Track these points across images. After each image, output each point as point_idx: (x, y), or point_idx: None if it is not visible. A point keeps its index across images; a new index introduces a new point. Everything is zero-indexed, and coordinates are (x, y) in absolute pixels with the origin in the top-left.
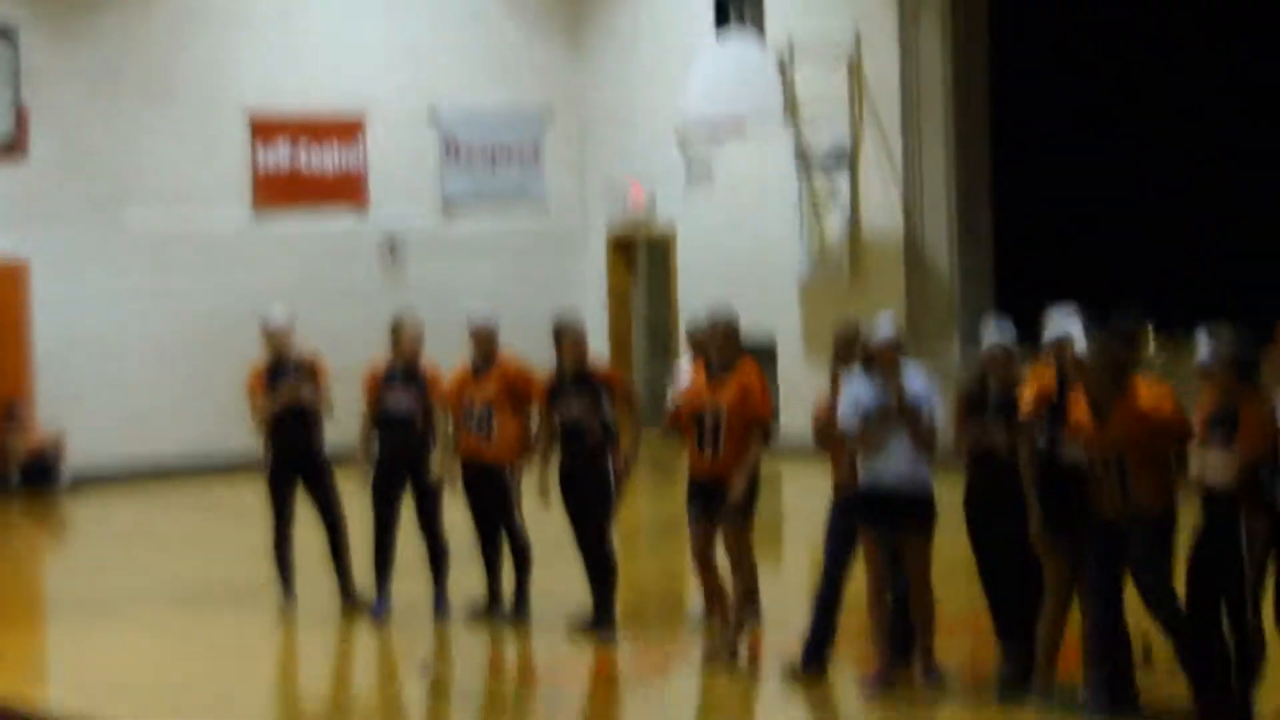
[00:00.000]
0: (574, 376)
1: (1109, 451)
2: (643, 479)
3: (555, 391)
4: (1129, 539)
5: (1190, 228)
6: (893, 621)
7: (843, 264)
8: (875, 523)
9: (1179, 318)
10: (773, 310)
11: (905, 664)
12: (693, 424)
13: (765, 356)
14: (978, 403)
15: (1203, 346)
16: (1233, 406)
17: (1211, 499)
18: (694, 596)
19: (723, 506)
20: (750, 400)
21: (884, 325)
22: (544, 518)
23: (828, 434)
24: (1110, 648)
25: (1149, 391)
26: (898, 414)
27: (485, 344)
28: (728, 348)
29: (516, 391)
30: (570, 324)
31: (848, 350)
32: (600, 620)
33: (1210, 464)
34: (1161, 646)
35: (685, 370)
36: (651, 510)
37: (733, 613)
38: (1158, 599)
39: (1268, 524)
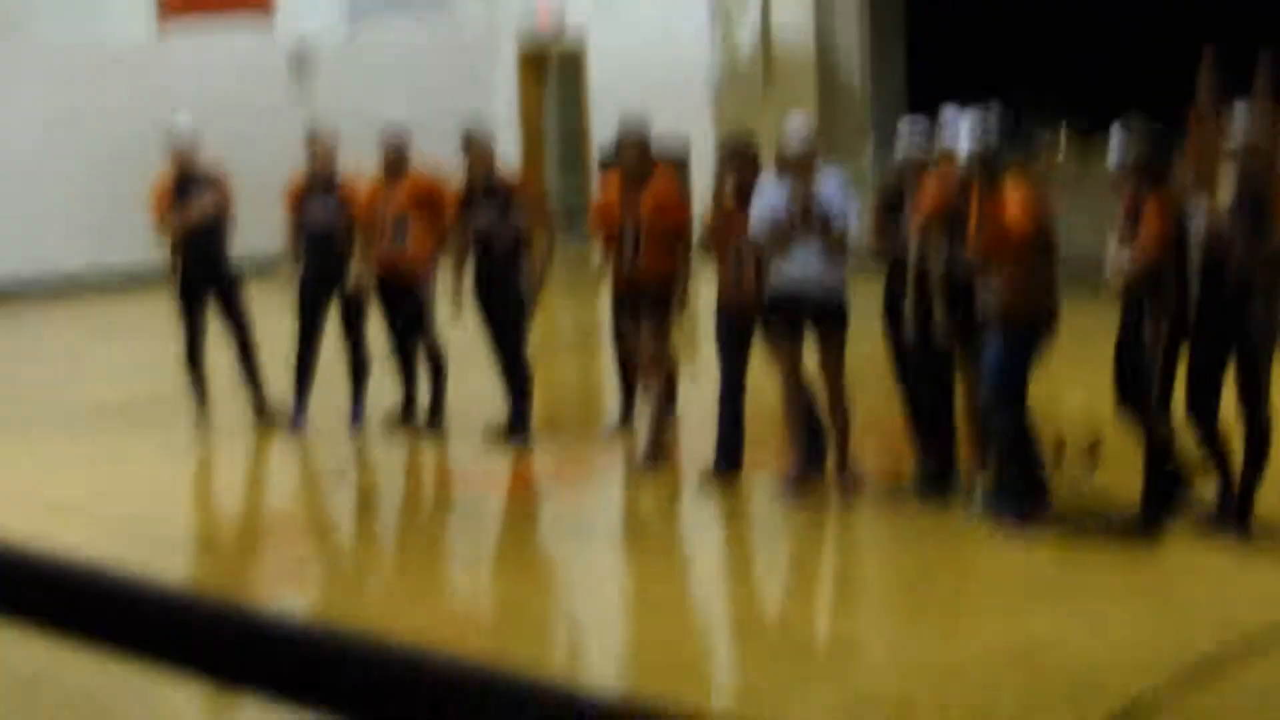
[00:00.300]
0: (483, 186)
1: (977, 257)
2: (557, 288)
3: (466, 201)
4: (994, 341)
5: (1107, 22)
6: (805, 424)
7: (755, 71)
8: (785, 326)
9: (1098, 114)
10: (686, 119)
11: (819, 467)
12: (613, 235)
13: (680, 165)
14: (894, 207)
15: (1114, 147)
16: (1140, 207)
17: (1124, 298)
18: (610, 404)
19: (646, 307)
20: (667, 209)
21: (795, 127)
22: (458, 327)
23: (712, 240)
24: (1015, 448)
25: (1013, 195)
26: (807, 218)
27: (396, 155)
28: (640, 159)
29: (428, 201)
30: (477, 133)
31: (736, 161)
32: (516, 427)
33: (1116, 264)
34: (1077, 443)
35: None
36: (566, 319)
37: (652, 412)
38: (997, 402)
39: (1169, 322)
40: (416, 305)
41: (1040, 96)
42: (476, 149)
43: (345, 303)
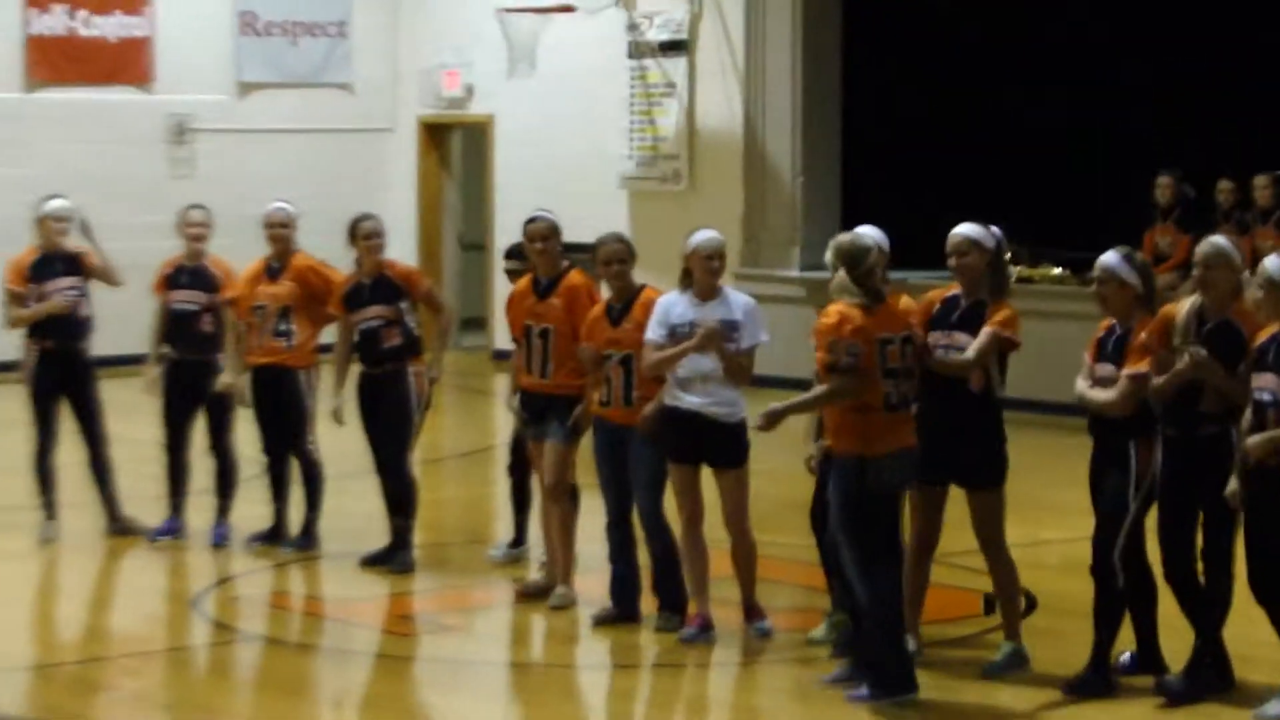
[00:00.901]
0: (372, 278)
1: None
2: (450, 391)
3: (351, 295)
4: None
5: (1040, 145)
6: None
7: (677, 165)
8: (678, 450)
9: (1026, 237)
10: (598, 214)
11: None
12: (521, 338)
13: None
14: None
15: (1121, 271)
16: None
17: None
18: (501, 530)
19: (552, 426)
20: (579, 315)
21: (705, 244)
22: (339, 436)
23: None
24: (874, 616)
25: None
26: (703, 338)
27: (281, 240)
28: (549, 256)
29: (314, 292)
30: (365, 219)
31: (611, 268)
32: (396, 552)
33: (1099, 391)
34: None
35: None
36: (460, 431)
37: (556, 549)
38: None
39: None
40: (295, 409)
41: (976, 212)
42: (364, 235)
43: (211, 403)
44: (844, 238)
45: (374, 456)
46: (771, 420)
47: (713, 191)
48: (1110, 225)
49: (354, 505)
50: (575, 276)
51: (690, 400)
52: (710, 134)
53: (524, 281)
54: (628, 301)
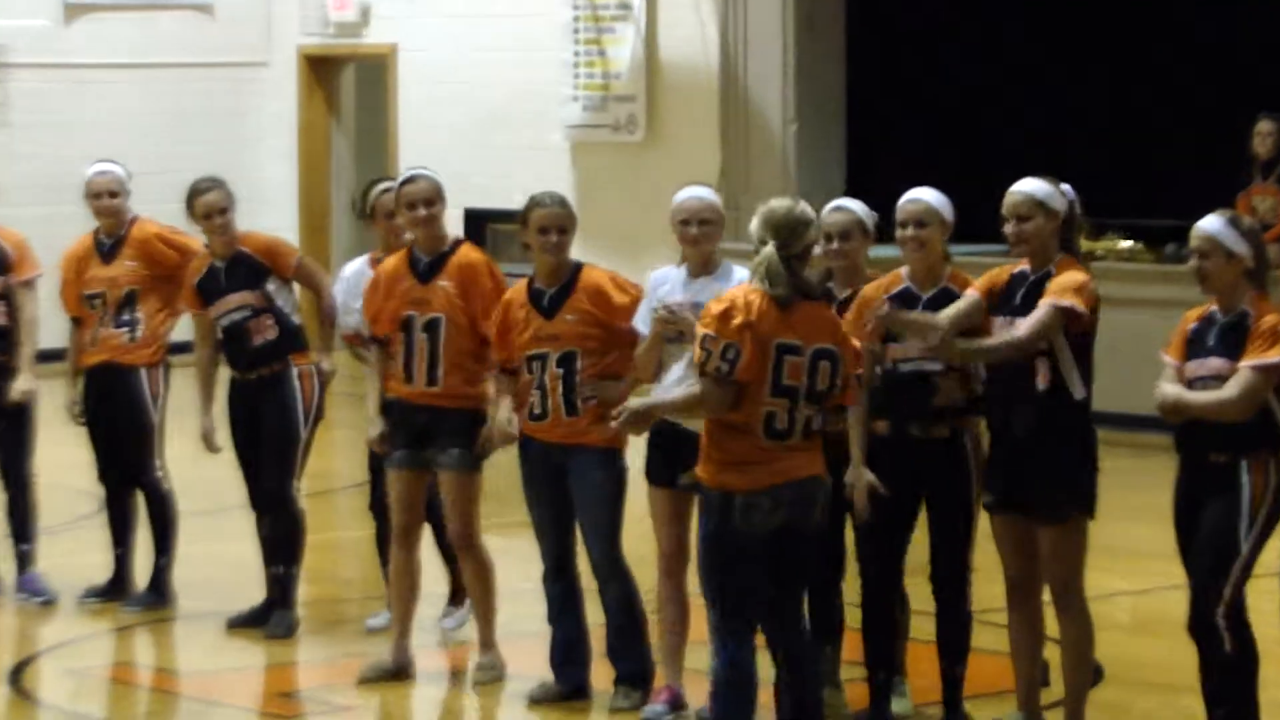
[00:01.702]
0: (226, 260)
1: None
2: (346, 404)
3: (204, 283)
4: None
5: (1098, 85)
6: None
7: (632, 109)
8: (659, 471)
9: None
10: (532, 173)
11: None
12: (397, 336)
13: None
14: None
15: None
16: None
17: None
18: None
19: (446, 451)
20: (477, 301)
21: (693, 201)
22: (200, 459)
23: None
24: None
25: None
26: (659, 321)
27: (109, 213)
28: (434, 228)
29: (164, 269)
30: (203, 191)
31: (551, 235)
32: (274, 610)
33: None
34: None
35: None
36: (359, 451)
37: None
38: None
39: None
40: (137, 422)
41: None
42: (206, 204)
43: (3, 417)
44: (777, 204)
45: (247, 485)
46: (637, 420)
47: (679, 143)
48: (1192, 185)
49: (219, 550)
50: (470, 252)
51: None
52: (676, 68)
53: (392, 261)
54: (565, 284)
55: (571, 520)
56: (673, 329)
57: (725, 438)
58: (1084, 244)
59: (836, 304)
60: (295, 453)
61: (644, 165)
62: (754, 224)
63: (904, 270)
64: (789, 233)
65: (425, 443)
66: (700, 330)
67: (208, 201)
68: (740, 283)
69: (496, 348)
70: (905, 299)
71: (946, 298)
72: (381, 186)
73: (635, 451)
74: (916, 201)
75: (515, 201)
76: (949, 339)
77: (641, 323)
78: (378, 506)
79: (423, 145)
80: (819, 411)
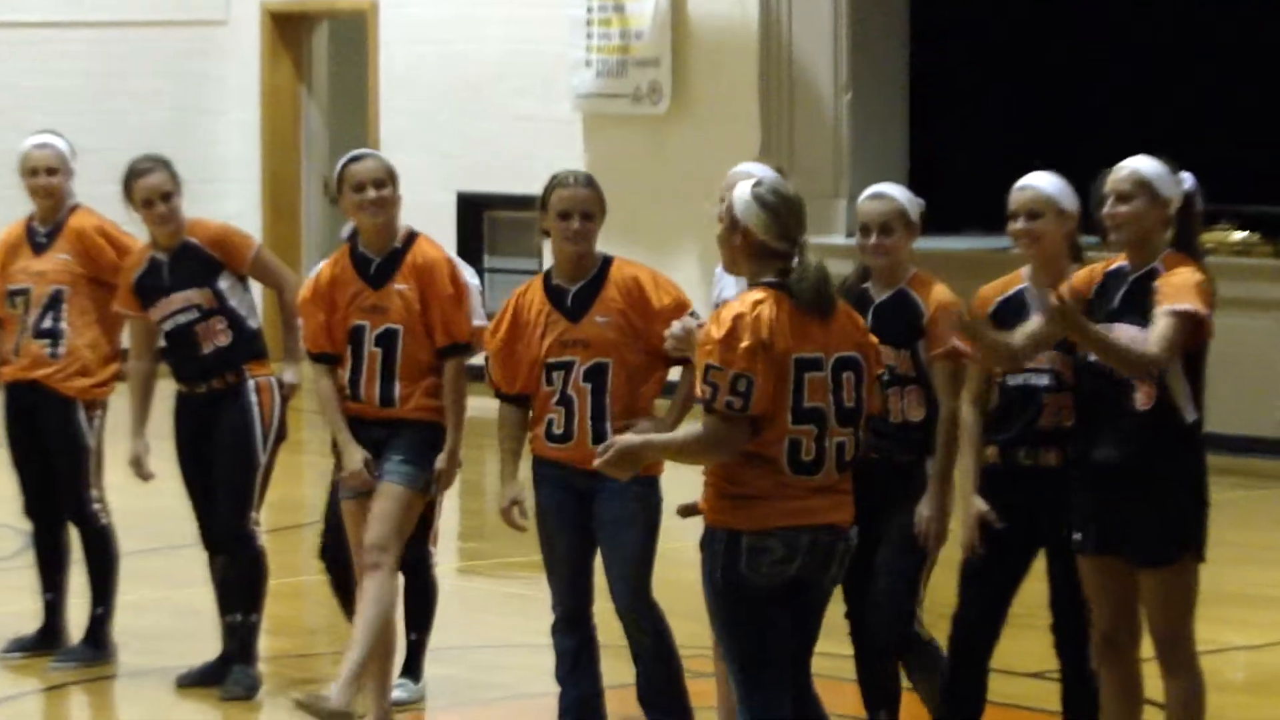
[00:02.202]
0: (170, 252)
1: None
2: (314, 421)
3: (144, 280)
4: None
5: (1210, 56)
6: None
7: (656, 76)
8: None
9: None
10: (538, 150)
11: None
12: (343, 347)
13: (512, 228)
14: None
15: None
16: None
17: None
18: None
19: (392, 461)
20: (436, 307)
21: (738, 171)
22: (143, 489)
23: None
24: None
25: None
26: (673, 340)
27: (48, 193)
28: (385, 217)
29: (100, 270)
30: (141, 173)
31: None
32: (232, 666)
33: None
34: None
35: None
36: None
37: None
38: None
39: None
40: (69, 450)
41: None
42: (146, 188)
43: None
44: (777, 184)
45: (198, 519)
46: (623, 460)
47: (711, 116)
48: None
49: (167, 596)
50: (427, 247)
51: None
52: (708, 27)
53: (334, 260)
54: (593, 280)
55: (592, 560)
56: (687, 349)
57: (739, 466)
58: None
59: (874, 307)
60: (253, 480)
61: (670, 142)
62: (772, 214)
63: (1024, 270)
64: (801, 219)
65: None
66: (701, 360)
67: (149, 185)
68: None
69: (498, 366)
70: (1018, 303)
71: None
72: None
73: (671, 480)
74: (1026, 189)
75: (515, 185)
76: (1072, 312)
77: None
78: (333, 551)
79: (408, 117)
80: (854, 435)
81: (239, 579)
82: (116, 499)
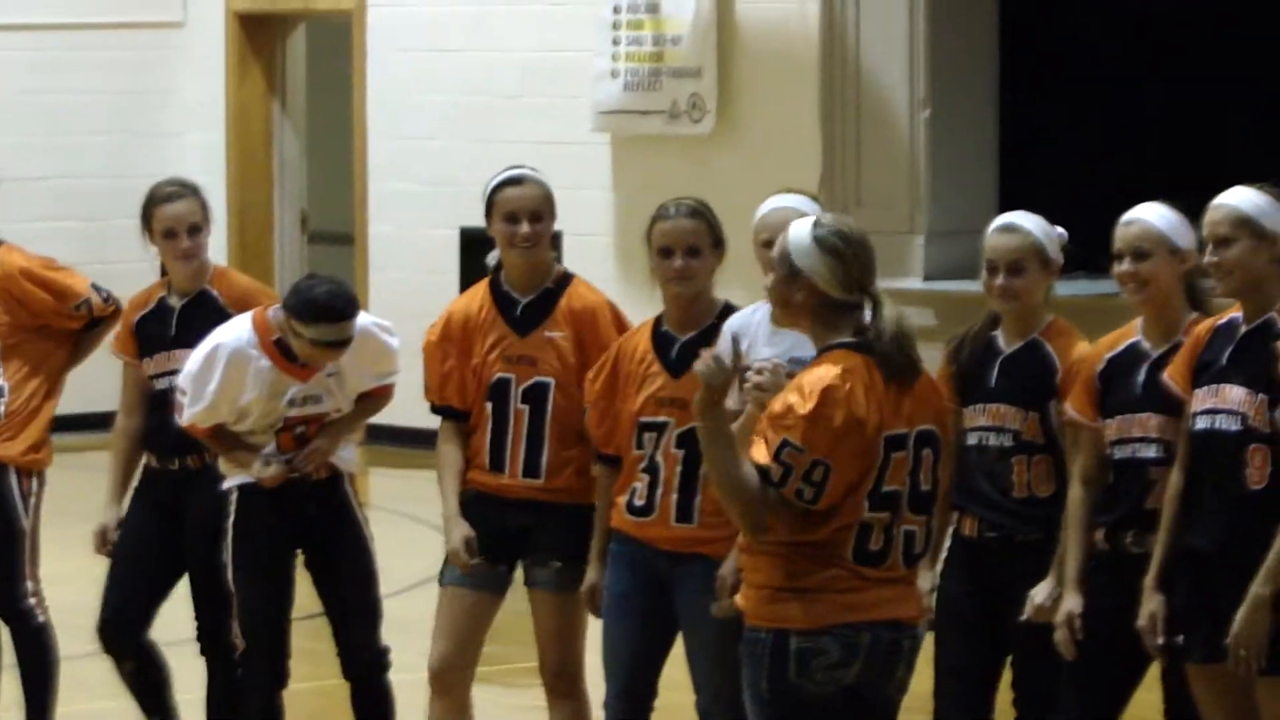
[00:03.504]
0: (185, 298)
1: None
2: None
3: (146, 326)
4: None
5: None
6: None
7: (698, 89)
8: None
9: None
10: (558, 176)
11: None
12: (477, 405)
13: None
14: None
15: None
16: None
17: None
18: None
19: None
20: (594, 360)
21: (767, 206)
22: (86, 581)
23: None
24: None
25: None
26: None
27: None
28: (541, 251)
29: (30, 317)
30: (169, 197)
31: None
32: None
33: None
34: None
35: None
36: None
37: None
38: None
39: None
40: (5, 532)
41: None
42: (166, 235)
43: None
44: (844, 222)
45: (144, 611)
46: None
47: (763, 137)
48: None
49: (119, 708)
50: (585, 291)
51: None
52: (759, 31)
53: (473, 297)
54: (706, 331)
55: (663, 654)
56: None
57: (788, 555)
58: None
59: (1000, 360)
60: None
61: (713, 167)
62: (838, 261)
63: (1137, 322)
64: (871, 265)
65: (513, 553)
66: (776, 432)
67: (172, 214)
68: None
69: (595, 423)
70: (1130, 359)
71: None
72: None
73: None
74: (1133, 224)
75: None
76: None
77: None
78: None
79: (400, 140)
80: (927, 524)
81: (231, 692)
82: (56, 592)
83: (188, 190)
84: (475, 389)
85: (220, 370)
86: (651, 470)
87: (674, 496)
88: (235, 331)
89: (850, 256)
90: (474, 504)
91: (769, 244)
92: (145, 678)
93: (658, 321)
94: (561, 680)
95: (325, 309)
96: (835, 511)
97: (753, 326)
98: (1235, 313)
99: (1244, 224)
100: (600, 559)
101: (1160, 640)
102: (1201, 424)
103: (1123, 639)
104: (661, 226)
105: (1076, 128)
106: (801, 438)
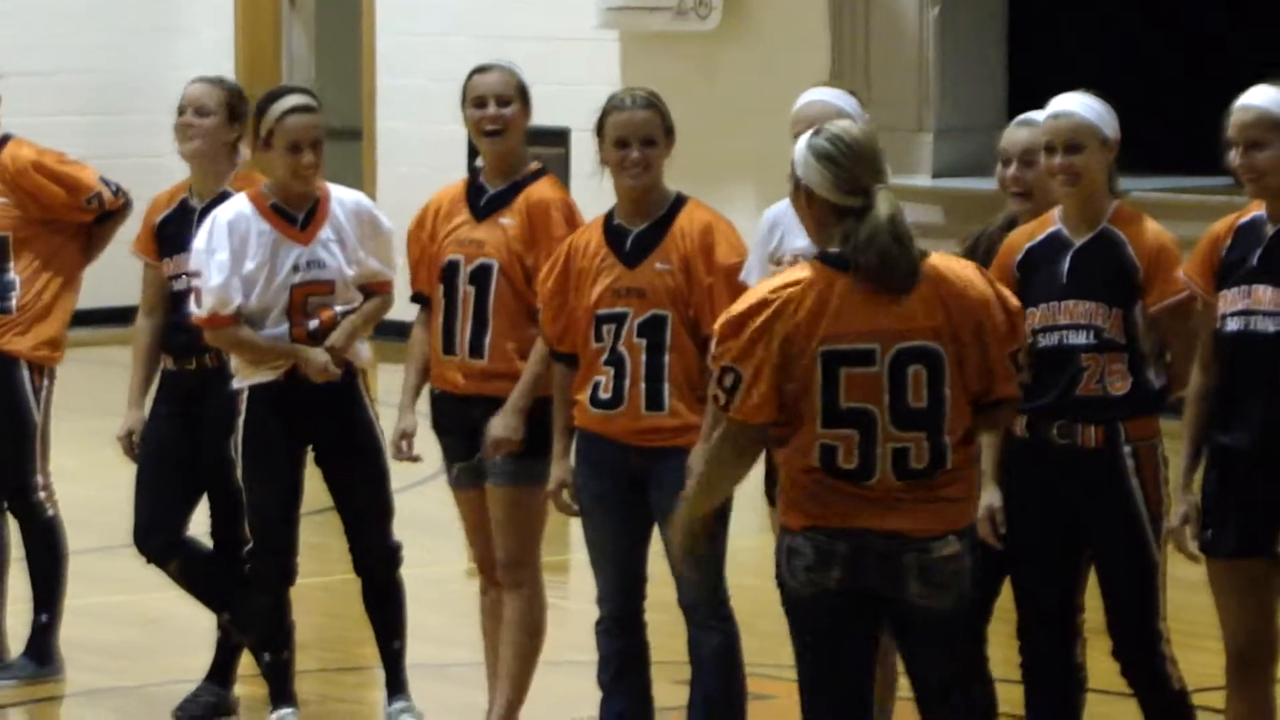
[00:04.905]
0: (208, 200)
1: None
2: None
3: (168, 226)
4: None
5: None
6: None
7: None
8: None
9: None
10: (564, 75)
11: None
12: (438, 292)
13: (555, 162)
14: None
15: None
16: None
17: None
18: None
19: (490, 445)
20: (544, 247)
21: (807, 98)
22: (103, 476)
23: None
24: None
25: None
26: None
27: None
28: (511, 138)
29: (42, 210)
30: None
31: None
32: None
33: None
34: None
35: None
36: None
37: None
38: None
39: None
40: (11, 423)
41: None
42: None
43: None
44: (849, 124)
45: (177, 516)
46: (694, 541)
47: (770, 34)
48: None
49: (124, 601)
50: (547, 186)
51: None
52: None
53: (451, 190)
54: (660, 221)
55: (646, 546)
56: None
57: (787, 458)
58: None
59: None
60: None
61: (721, 65)
62: (834, 168)
63: (1056, 211)
64: (882, 164)
65: (469, 446)
66: (719, 345)
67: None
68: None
69: (549, 321)
70: (1052, 247)
71: (1105, 245)
72: (288, 105)
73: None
74: (1064, 116)
75: (539, 115)
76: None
77: (754, 278)
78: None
79: (409, 36)
80: (927, 440)
81: (239, 590)
82: (66, 487)
83: (223, 83)
84: (435, 271)
85: (225, 236)
86: (615, 362)
87: (642, 385)
88: (229, 205)
89: (848, 161)
90: (440, 404)
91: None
92: (194, 574)
93: (609, 216)
94: (513, 571)
95: (283, 88)
96: (789, 426)
97: (787, 218)
98: (1256, 211)
99: (1276, 126)
100: (564, 456)
101: (1192, 540)
102: (1234, 325)
103: (1049, 528)
104: (617, 118)
105: (1085, 26)
106: (718, 343)
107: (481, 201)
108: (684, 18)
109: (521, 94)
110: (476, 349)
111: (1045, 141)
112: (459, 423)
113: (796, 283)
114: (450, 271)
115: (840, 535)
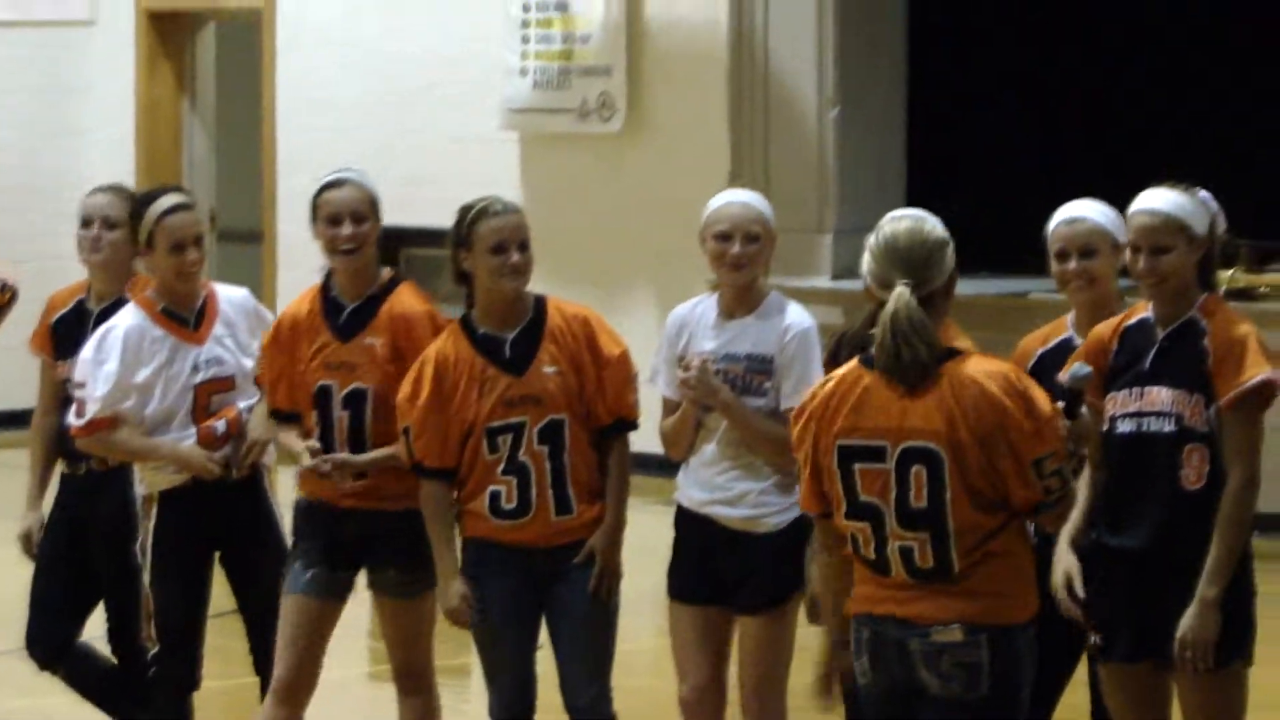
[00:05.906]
0: (105, 304)
1: None
2: None
3: (64, 327)
4: None
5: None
6: None
7: (607, 87)
8: (682, 581)
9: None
10: (465, 176)
11: None
12: (308, 409)
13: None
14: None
15: None
16: None
17: None
18: None
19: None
20: (410, 361)
21: (719, 200)
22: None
23: None
24: None
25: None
26: (683, 385)
27: None
28: (363, 255)
29: None
30: (97, 191)
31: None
32: None
33: None
34: None
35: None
36: None
37: None
38: None
39: None
40: None
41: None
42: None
43: None
44: (897, 223)
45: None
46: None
47: (673, 135)
48: None
49: (32, 705)
50: (409, 297)
51: (694, 495)
52: (668, 30)
53: (302, 303)
54: (531, 324)
55: (529, 659)
56: (701, 396)
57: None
58: (1240, 278)
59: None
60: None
61: (624, 165)
62: (869, 259)
63: (1069, 317)
64: (924, 264)
65: (352, 560)
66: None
67: (93, 207)
68: (788, 328)
69: (423, 438)
70: (1063, 355)
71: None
72: (167, 204)
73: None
74: (1078, 222)
75: (439, 216)
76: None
77: (666, 384)
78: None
79: (310, 135)
80: (933, 542)
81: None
82: None
83: (114, 190)
84: (303, 394)
85: (117, 348)
86: (517, 471)
87: (550, 493)
88: (122, 315)
89: (881, 255)
90: (306, 514)
91: (724, 236)
92: (86, 680)
93: (467, 324)
94: (408, 679)
95: (158, 188)
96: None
97: (694, 320)
98: (1142, 314)
99: (1180, 230)
100: (456, 572)
101: (1075, 600)
102: (1126, 427)
103: (1055, 627)
104: (493, 224)
105: (984, 127)
106: (794, 436)
107: (341, 319)
108: (587, 120)
109: (374, 208)
110: (358, 473)
111: (1058, 247)
112: (327, 533)
113: (838, 377)
114: (323, 396)
115: (866, 621)
